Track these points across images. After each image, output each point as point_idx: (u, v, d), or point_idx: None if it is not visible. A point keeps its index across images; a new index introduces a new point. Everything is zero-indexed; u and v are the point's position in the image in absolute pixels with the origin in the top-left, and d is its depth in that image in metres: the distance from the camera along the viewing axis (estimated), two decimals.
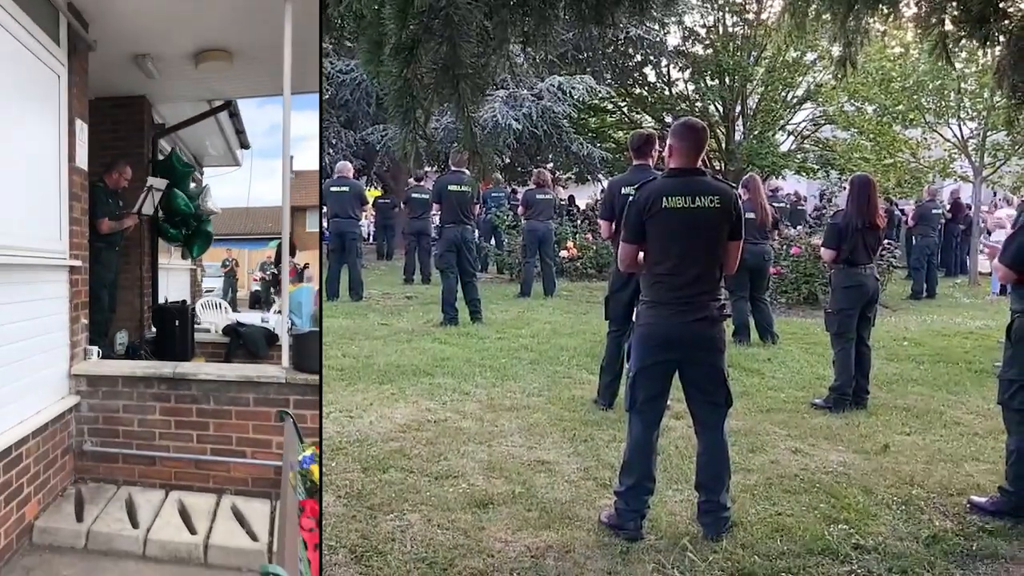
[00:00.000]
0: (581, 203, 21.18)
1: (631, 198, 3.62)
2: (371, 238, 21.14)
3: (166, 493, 4.21)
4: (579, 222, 15.20)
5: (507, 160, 20.01)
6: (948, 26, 3.44)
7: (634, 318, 3.79)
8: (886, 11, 3.72)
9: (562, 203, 18.05)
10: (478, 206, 11.67)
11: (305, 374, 4.15)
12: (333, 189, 10.80)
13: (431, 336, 8.03)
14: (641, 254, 3.58)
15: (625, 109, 23.92)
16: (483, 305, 8.96)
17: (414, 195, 13.08)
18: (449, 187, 8.96)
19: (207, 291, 12.06)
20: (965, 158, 14.72)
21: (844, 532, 3.58)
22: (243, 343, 5.82)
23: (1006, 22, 3.33)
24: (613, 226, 5.11)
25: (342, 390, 5.83)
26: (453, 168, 9.28)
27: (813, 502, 3.92)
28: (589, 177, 21.42)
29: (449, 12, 2.50)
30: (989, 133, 14.17)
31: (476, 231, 10.38)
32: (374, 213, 19.94)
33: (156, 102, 6.23)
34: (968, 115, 14.52)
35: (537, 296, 11.22)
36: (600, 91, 19.75)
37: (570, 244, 13.57)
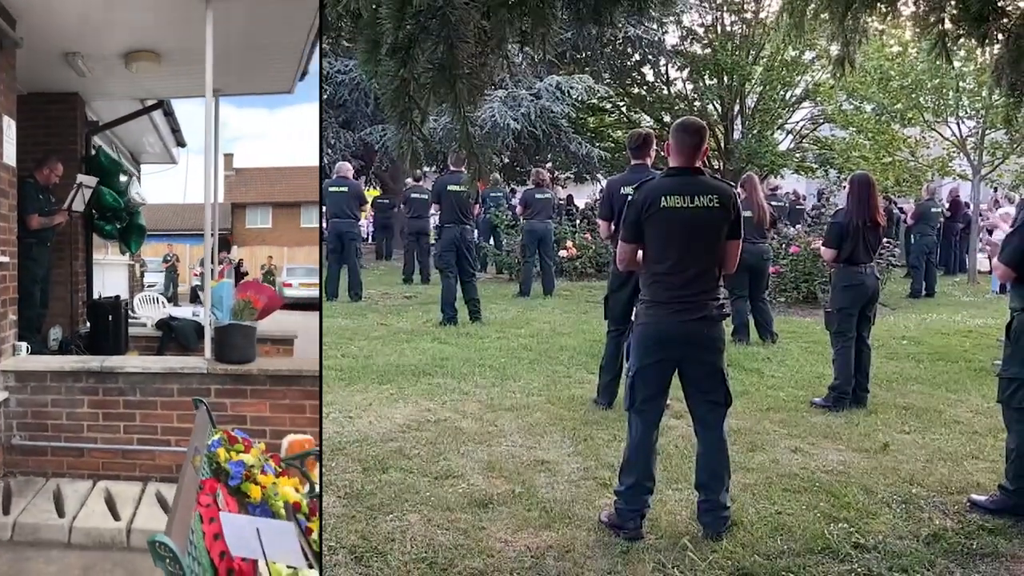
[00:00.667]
0: (580, 203, 21.18)
1: (630, 198, 3.62)
2: (370, 238, 21.15)
3: (93, 483, 4.29)
4: (578, 222, 15.20)
5: (506, 160, 20.01)
6: (947, 24, 3.44)
7: (633, 317, 3.79)
8: (884, 10, 3.72)
9: (560, 203, 18.06)
10: (477, 206, 11.68)
11: (225, 364, 4.34)
12: (332, 189, 10.80)
13: (430, 336, 8.03)
14: (640, 253, 3.59)
15: (624, 108, 23.92)
16: (482, 305, 8.96)
17: (413, 195, 13.08)
18: (449, 187, 8.95)
19: (149, 286, 12.15)
20: (964, 156, 14.72)
21: (844, 531, 3.58)
22: (175, 336, 5.89)
23: (1004, 20, 3.33)
24: (612, 226, 5.11)
25: (341, 390, 5.83)
26: (452, 168, 9.27)
27: (813, 501, 3.92)
28: (588, 177, 21.42)
29: (446, 12, 2.49)
30: (988, 131, 14.17)
31: (475, 231, 10.39)
32: (373, 213, 19.94)
33: (89, 99, 6.24)
34: (967, 113, 14.51)
35: (536, 296, 11.22)
36: (599, 90, 19.74)
37: (569, 244, 13.57)
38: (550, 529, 3.58)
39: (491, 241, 14.87)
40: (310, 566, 2.16)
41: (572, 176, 22.08)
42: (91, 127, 6.39)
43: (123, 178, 6.45)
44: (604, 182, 12.51)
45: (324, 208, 10.86)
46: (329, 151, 17.69)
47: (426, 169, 19.21)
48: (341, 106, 18.39)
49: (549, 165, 20.46)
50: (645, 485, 3.55)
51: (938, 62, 4.23)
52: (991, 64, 3.66)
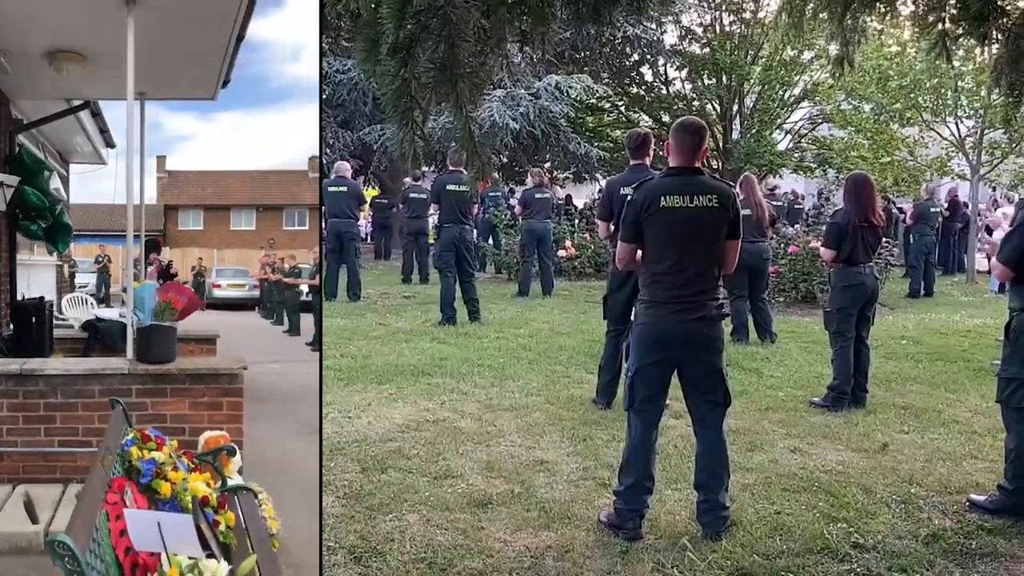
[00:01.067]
0: (579, 202, 21.20)
1: (629, 198, 3.62)
2: (369, 238, 21.17)
3: (13, 487, 4.23)
4: (577, 221, 15.22)
5: (504, 160, 20.02)
6: (947, 24, 3.44)
7: (632, 317, 3.79)
8: (883, 10, 3.72)
9: (559, 202, 18.08)
10: (476, 206, 11.68)
11: (146, 364, 4.39)
12: (331, 189, 10.78)
13: (429, 336, 8.02)
14: (639, 253, 3.59)
15: (622, 108, 23.93)
16: (481, 305, 8.95)
17: (412, 195, 13.08)
18: (448, 187, 8.95)
19: (80, 287, 12.01)
20: (962, 156, 14.74)
21: (843, 531, 3.58)
22: (101, 337, 5.86)
23: (1004, 20, 3.32)
24: (611, 226, 5.11)
25: (340, 390, 5.83)
26: (451, 168, 9.27)
27: (812, 501, 3.92)
28: (587, 176, 21.44)
29: (447, 11, 2.49)
30: (986, 131, 14.19)
31: (475, 231, 10.39)
32: (371, 213, 19.95)
33: (14, 97, 6.23)
34: (965, 113, 14.53)
35: (535, 295, 11.22)
36: (597, 90, 19.78)
37: (568, 244, 13.58)
38: (549, 529, 3.58)
39: (490, 241, 14.88)
40: (210, 555, 2.19)
41: (571, 176, 22.10)
42: (16, 125, 6.35)
43: (45, 174, 6.42)
44: (603, 182, 12.53)
45: (323, 208, 10.83)
46: (328, 151, 17.68)
47: (425, 169, 19.22)
48: (340, 106, 18.40)
49: (548, 165, 20.47)
50: (644, 485, 3.54)
51: (938, 62, 4.23)
52: (990, 64, 3.65)
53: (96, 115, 7.42)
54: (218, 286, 22.04)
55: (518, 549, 3.39)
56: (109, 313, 6.64)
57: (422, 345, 7.52)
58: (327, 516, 3.61)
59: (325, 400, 5.41)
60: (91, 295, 11.66)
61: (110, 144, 8.54)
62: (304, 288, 14.01)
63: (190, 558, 2.04)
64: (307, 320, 13.05)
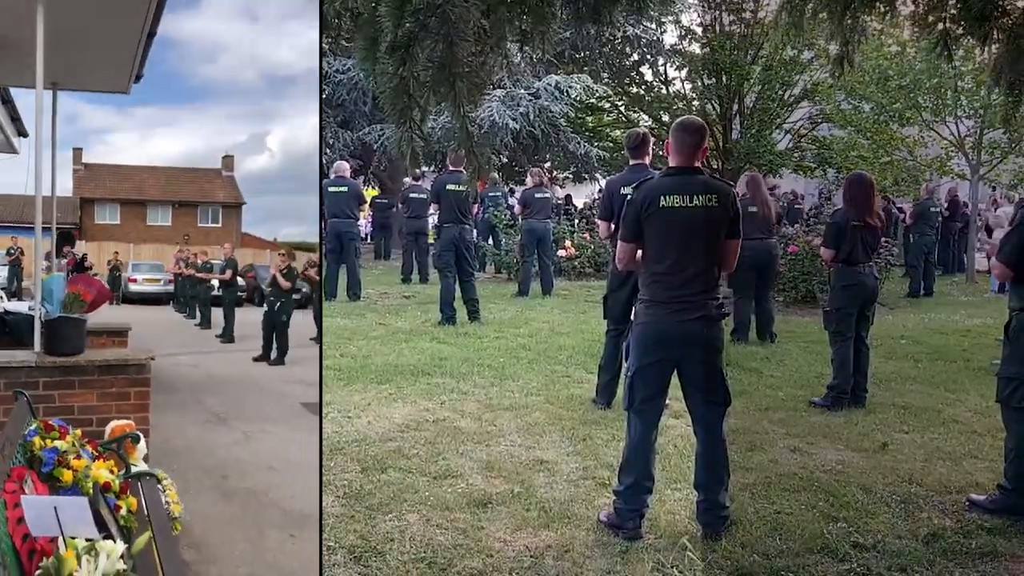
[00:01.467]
0: (579, 202, 21.18)
1: (629, 197, 3.63)
2: (369, 238, 21.17)
3: None
4: (577, 221, 15.20)
5: (504, 160, 20.02)
6: (948, 24, 3.44)
7: (632, 317, 3.79)
8: (883, 9, 3.72)
9: (559, 202, 18.06)
10: (476, 206, 11.66)
11: (55, 357, 4.37)
12: (331, 189, 10.77)
13: (429, 336, 8.02)
14: (639, 253, 3.59)
15: (622, 108, 23.87)
16: (481, 304, 8.94)
17: (412, 194, 13.05)
18: (447, 186, 8.94)
19: None
20: (962, 156, 14.73)
21: (843, 530, 3.58)
22: (9, 331, 5.82)
23: (1005, 20, 3.32)
24: (612, 226, 5.11)
25: (340, 390, 5.82)
26: (451, 167, 9.27)
27: (812, 500, 3.92)
28: (587, 176, 21.43)
29: (446, 10, 2.49)
30: (986, 131, 14.19)
31: (474, 231, 10.37)
32: (371, 213, 19.95)
33: None
34: (965, 113, 14.51)
35: (535, 295, 11.21)
36: (597, 90, 19.77)
37: (568, 243, 13.57)
38: (549, 529, 3.58)
39: (490, 241, 14.86)
40: (107, 537, 2.20)
41: (571, 176, 22.09)
42: None
43: None
44: (603, 182, 12.52)
45: (323, 208, 10.83)
46: (327, 151, 17.68)
47: (424, 168, 19.20)
48: (339, 106, 18.40)
49: (548, 165, 20.46)
50: (644, 485, 3.54)
51: (938, 61, 4.24)
52: (990, 64, 3.65)
53: (7, 102, 7.31)
54: (134, 280, 22.28)
55: (518, 549, 3.39)
56: (18, 306, 6.51)
57: (422, 345, 7.51)
58: (327, 516, 3.61)
59: (325, 400, 5.41)
60: (2, 289, 11.56)
61: (22, 133, 8.41)
62: (215, 283, 14.32)
63: (87, 540, 2.04)
64: (217, 314, 13.48)
